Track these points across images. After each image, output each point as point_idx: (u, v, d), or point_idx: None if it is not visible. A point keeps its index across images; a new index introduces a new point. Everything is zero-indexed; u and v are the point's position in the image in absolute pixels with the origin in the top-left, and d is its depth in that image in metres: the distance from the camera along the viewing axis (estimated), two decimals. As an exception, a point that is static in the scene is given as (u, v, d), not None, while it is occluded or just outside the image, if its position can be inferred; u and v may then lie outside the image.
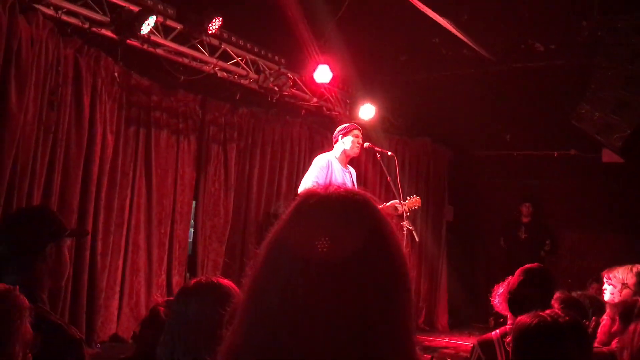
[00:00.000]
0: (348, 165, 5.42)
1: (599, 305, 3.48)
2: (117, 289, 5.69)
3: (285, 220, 0.98)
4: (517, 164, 8.67)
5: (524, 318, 2.07)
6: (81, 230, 2.76)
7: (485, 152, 8.93)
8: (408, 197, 5.51)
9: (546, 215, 8.37)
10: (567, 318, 2.05)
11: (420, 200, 5.53)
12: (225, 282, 1.85)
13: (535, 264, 2.87)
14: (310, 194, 0.98)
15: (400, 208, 5.22)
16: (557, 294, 3.28)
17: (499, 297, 2.86)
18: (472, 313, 8.28)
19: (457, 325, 8.31)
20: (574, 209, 8.17)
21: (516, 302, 2.71)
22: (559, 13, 6.55)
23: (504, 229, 8.64)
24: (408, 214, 5.11)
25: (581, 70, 6.69)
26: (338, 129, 5.37)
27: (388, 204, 5.36)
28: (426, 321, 8.17)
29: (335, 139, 5.37)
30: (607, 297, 4.07)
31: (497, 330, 2.72)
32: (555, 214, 8.32)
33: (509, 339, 2.36)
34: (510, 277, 2.87)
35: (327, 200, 0.97)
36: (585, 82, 6.31)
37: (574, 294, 3.70)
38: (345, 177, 5.33)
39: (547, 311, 2.46)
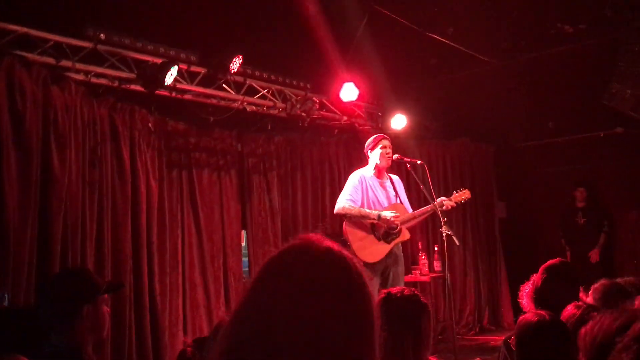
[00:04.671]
0: (388, 175, 5.49)
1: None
2: (180, 326, 5.92)
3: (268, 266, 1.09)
4: (563, 150, 8.47)
5: (525, 316, 2.11)
6: (115, 283, 2.96)
7: (529, 142, 8.77)
8: (455, 192, 5.52)
9: (601, 197, 8.14)
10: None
11: (469, 192, 5.52)
12: None
13: (556, 260, 2.86)
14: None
15: (447, 204, 5.26)
16: (600, 282, 3.23)
17: (525, 296, 2.87)
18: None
19: (525, 321, 8.15)
20: (628, 187, 7.90)
21: (542, 300, 2.72)
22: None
23: (561, 217, 8.44)
24: (444, 219, 5.12)
25: (615, 46, 6.52)
26: (366, 143, 5.49)
27: (437, 201, 5.34)
28: (491, 321, 8.06)
29: (366, 154, 5.49)
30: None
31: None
32: (610, 195, 8.07)
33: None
34: (534, 274, 2.87)
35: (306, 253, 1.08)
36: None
37: (619, 280, 3.62)
38: (387, 188, 5.41)
39: (570, 306, 2.47)
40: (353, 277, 1.07)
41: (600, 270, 7.20)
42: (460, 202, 5.58)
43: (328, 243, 1.11)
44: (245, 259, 6.91)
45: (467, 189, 5.66)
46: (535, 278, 2.84)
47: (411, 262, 7.02)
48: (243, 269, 6.80)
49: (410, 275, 6.70)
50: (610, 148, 8.01)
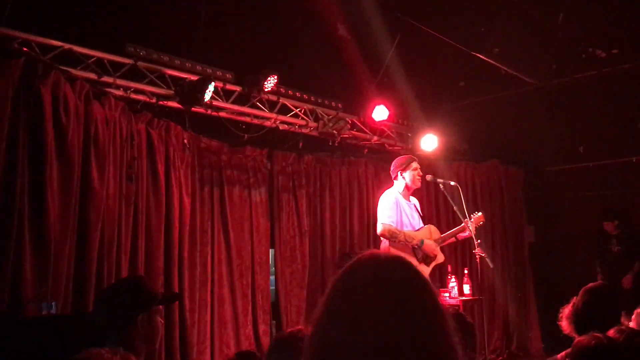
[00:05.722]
0: (411, 197, 5.54)
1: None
2: (208, 343, 5.91)
3: (340, 278, 1.16)
4: (595, 175, 8.36)
5: (582, 339, 2.08)
6: (170, 295, 3.01)
7: (559, 167, 8.69)
8: (472, 216, 5.53)
9: (635, 224, 7.99)
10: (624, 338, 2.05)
11: (482, 215, 5.53)
12: None
13: (598, 282, 2.83)
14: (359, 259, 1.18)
15: (467, 232, 5.27)
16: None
17: (565, 318, 2.84)
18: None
19: (553, 348, 7.97)
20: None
21: (582, 322, 2.69)
22: (614, 18, 6.42)
23: (594, 244, 8.28)
24: (479, 241, 5.10)
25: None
26: (395, 164, 5.51)
27: (456, 228, 5.41)
28: (519, 347, 7.92)
29: (395, 174, 5.50)
30: None
31: (564, 352, 2.69)
32: (642, 222, 7.93)
33: None
34: (575, 297, 2.84)
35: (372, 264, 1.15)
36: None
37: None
38: (412, 210, 5.45)
39: (612, 330, 2.44)
40: (421, 277, 1.13)
41: (634, 298, 7.04)
42: (478, 225, 5.60)
43: (393, 253, 1.19)
44: (271, 277, 6.91)
45: (481, 213, 5.66)
46: (576, 300, 2.81)
47: (439, 285, 6.96)
48: (270, 287, 6.81)
49: (439, 298, 6.63)
50: (643, 174, 7.90)
